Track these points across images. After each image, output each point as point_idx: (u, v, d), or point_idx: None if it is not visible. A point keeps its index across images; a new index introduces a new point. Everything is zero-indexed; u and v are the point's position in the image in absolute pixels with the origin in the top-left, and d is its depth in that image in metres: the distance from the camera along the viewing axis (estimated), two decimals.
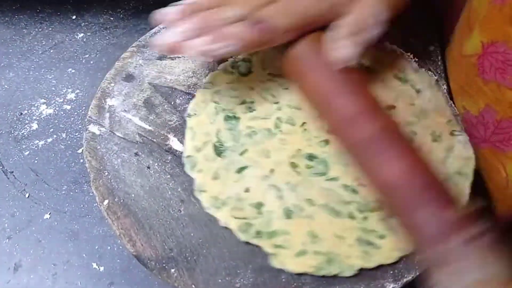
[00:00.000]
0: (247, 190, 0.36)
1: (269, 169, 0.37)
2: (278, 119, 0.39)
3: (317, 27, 0.37)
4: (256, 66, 0.42)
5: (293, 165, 0.37)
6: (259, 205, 0.36)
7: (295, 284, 0.34)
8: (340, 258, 0.34)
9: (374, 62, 0.42)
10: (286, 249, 0.34)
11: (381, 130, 0.33)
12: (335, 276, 0.34)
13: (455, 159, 0.37)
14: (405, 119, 0.39)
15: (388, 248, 0.34)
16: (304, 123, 0.39)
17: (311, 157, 0.38)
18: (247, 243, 0.35)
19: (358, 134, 0.34)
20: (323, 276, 0.34)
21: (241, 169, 0.37)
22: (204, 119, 0.40)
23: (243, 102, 0.40)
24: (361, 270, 0.34)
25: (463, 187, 0.36)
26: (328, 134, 0.38)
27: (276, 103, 0.40)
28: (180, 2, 0.37)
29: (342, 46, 0.35)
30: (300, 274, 0.34)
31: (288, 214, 0.35)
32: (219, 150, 0.38)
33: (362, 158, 0.34)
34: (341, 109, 0.35)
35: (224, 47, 0.35)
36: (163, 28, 0.47)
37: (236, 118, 0.40)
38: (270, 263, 0.34)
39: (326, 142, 0.38)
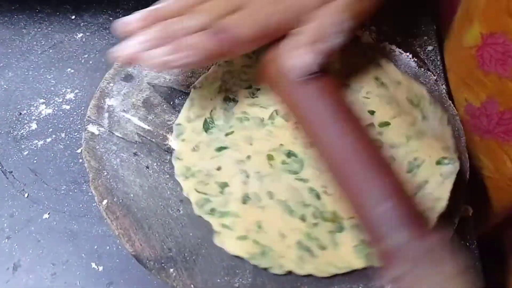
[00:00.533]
0: (218, 169, 0.38)
1: (246, 155, 0.38)
2: (275, 111, 0.40)
3: (282, 34, 0.36)
4: None
5: (270, 157, 0.38)
6: (223, 185, 0.37)
7: (293, 284, 0.34)
8: (274, 254, 0.34)
9: (390, 82, 0.41)
10: (230, 230, 0.35)
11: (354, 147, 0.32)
12: (333, 276, 0.34)
13: (424, 198, 0.35)
14: (392, 139, 0.38)
15: (324, 261, 0.34)
16: None
17: (290, 154, 0.38)
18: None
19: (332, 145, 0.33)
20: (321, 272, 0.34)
21: (221, 148, 0.38)
22: (206, 93, 0.41)
23: (248, 87, 0.41)
24: (358, 270, 0.34)
25: None
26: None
27: None
28: (143, 10, 0.35)
29: (301, 54, 0.34)
30: (299, 275, 0.34)
31: (245, 200, 0.36)
32: (208, 126, 0.39)
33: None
34: (314, 121, 0.34)
35: (183, 58, 0.34)
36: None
37: (234, 101, 0.41)
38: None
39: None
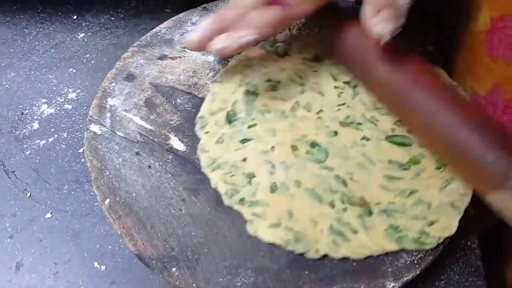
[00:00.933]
0: (244, 160, 0.38)
1: (270, 146, 0.39)
2: (296, 103, 0.41)
3: None
4: (294, 50, 0.44)
5: (294, 148, 0.38)
6: (250, 176, 0.37)
7: (295, 283, 0.34)
8: (308, 239, 0.35)
9: None
10: (262, 218, 0.36)
11: (445, 87, 0.34)
12: (334, 275, 0.34)
13: (452, 191, 0.36)
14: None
15: (358, 244, 0.34)
16: (321, 110, 0.40)
17: (313, 144, 0.39)
18: (249, 237, 0.35)
19: (423, 90, 0.35)
20: (324, 266, 0.34)
21: (244, 140, 0.39)
22: (227, 87, 0.42)
23: (268, 80, 0.42)
24: (360, 268, 0.34)
25: (452, 219, 0.35)
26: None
27: (301, 85, 0.42)
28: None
29: (375, 23, 0.35)
30: (299, 273, 0.34)
31: (273, 189, 0.37)
32: (230, 118, 0.40)
33: (429, 111, 0.34)
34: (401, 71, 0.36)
35: (248, 35, 0.36)
36: (164, 28, 0.47)
37: (255, 94, 0.41)
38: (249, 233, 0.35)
39: (335, 133, 0.39)
